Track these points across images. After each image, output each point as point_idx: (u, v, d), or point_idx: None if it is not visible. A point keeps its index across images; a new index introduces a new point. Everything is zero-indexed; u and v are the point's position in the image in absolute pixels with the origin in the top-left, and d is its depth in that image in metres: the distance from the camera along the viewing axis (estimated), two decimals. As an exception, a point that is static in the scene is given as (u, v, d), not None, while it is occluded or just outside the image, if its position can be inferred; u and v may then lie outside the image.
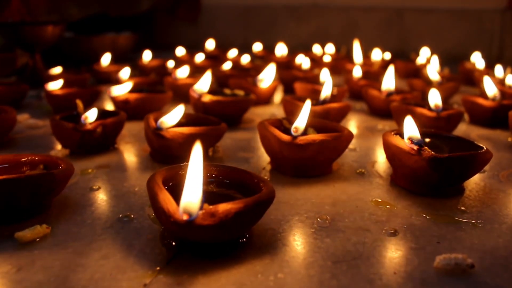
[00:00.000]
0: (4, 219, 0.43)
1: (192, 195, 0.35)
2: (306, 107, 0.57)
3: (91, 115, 0.63)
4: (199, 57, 1.38)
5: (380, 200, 0.50)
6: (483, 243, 0.41)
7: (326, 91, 0.75)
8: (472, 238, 0.42)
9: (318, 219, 0.45)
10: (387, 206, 0.48)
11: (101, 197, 0.50)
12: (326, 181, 0.55)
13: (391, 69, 0.90)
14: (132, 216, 0.45)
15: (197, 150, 0.38)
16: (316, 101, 0.76)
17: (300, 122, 0.55)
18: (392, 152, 0.53)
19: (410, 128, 0.52)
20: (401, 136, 0.54)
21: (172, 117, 0.59)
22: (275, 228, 0.43)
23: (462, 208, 0.49)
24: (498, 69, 1.15)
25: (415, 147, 0.49)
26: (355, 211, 0.47)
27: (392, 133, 0.55)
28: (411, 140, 0.51)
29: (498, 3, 1.73)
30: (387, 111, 0.83)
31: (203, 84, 0.77)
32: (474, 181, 0.56)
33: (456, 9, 1.80)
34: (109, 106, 0.93)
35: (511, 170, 0.61)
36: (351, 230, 0.43)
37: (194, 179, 0.36)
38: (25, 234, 0.40)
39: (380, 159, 0.64)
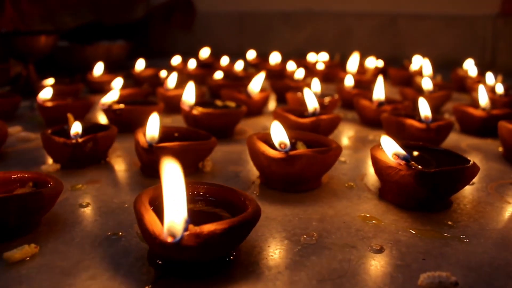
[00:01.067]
0: (-8, 239, 0.43)
1: (176, 216, 0.36)
2: (277, 127, 0.57)
3: (81, 130, 0.63)
4: (192, 64, 1.38)
5: (367, 215, 0.50)
6: (469, 260, 0.42)
7: (312, 104, 0.75)
8: (457, 254, 0.43)
9: (305, 236, 0.45)
10: (374, 222, 0.49)
11: (91, 214, 0.50)
12: (315, 196, 0.55)
13: (380, 80, 0.91)
14: (121, 234, 0.45)
15: (172, 170, 0.38)
16: (307, 113, 0.76)
17: (283, 137, 0.55)
18: (379, 167, 0.53)
19: (391, 144, 0.52)
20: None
21: (154, 129, 0.59)
22: (262, 245, 0.43)
23: (449, 222, 0.49)
24: (489, 77, 1.15)
25: (402, 162, 0.50)
26: (342, 227, 0.47)
27: (380, 147, 0.56)
28: (397, 156, 0.51)
29: (491, 9, 1.74)
30: (378, 121, 0.83)
31: (189, 95, 0.77)
32: (462, 194, 0.57)
33: (449, 15, 1.81)
34: (102, 117, 0.94)
35: (500, 182, 0.61)
36: (337, 247, 0.43)
37: (175, 200, 0.36)
38: (13, 254, 0.40)
39: (370, 171, 0.64)
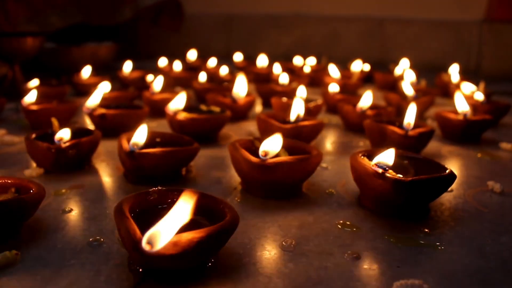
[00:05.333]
0: (-26, 245, 0.43)
1: (158, 227, 0.36)
2: (276, 137, 0.58)
3: (65, 135, 0.63)
4: (177, 67, 1.39)
5: (346, 222, 0.51)
6: (442, 267, 0.43)
7: (296, 112, 0.76)
8: (432, 262, 0.44)
9: (283, 243, 0.46)
10: (353, 229, 0.50)
11: (73, 220, 0.50)
12: (295, 202, 0.56)
13: (369, 92, 0.91)
14: (102, 240, 0.46)
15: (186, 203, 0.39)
16: (289, 119, 0.77)
17: (269, 146, 0.56)
18: (358, 175, 0.54)
19: (385, 156, 0.53)
20: (369, 158, 0.55)
21: (141, 137, 0.60)
22: (240, 252, 0.44)
23: (426, 230, 0.50)
24: (466, 86, 1.16)
25: (380, 170, 0.51)
26: (320, 234, 0.48)
27: (360, 154, 0.56)
28: (376, 164, 0.52)
29: (476, 15, 1.76)
30: (362, 127, 0.84)
31: (178, 103, 0.78)
32: (440, 201, 0.58)
33: (435, 20, 1.83)
34: (88, 120, 0.94)
35: (477, 189, 0.62)
36: (315, 254, 0.44)
37: (174, 222, 0.37)
38: (-7, 260, 0.41)
39: (351, 178, 0.65)
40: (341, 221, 0.51)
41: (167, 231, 0.36)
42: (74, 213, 0.52)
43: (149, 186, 0.57)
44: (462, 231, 0.50)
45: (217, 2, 2.09)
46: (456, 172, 0.59)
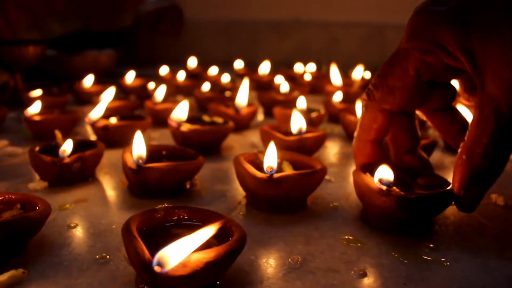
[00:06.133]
0: (-21, 264, 0.43)
1: (169, 249, 0.36)
2: (272, 149, 0.58)
3: (69, 148, 0.63)
4: (181, 75, 1.39)
5: (351, 238, 0.51)
6: (449, 284, 0.43)
7: (298, 125, 0.76)
8: (438, 279, 0.44)
9: (290, 260, 0.46)
10: (358, 244, 0.50)
11: (78, 236, 0.50)
12: (301, 217, 0.56)
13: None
14: (108, 257, 0.46)
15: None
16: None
17: (271, 160, 0.56)
18: (361, 191, 0.54)
19: (384, 172, 0.53)
20: (370, 172, 0.55)
21: (141, 148, 0.60)
22: (247, 270, 0.44)
23: (431, 245, 0.50)
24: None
25: (384, 188, 0.51)
26: (326, 250, 0.48)
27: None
28: (380, 181, 0.52)
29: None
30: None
31: (180, 112, 0.78)
32: (445, 215, 0.58)
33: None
34: (90, 130, 0.94)
35: (481, 202, 0.62)
36: (321, 271, 0.44)
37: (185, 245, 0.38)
38: (1, 280, 0.40)
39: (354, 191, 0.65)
40: (346, 237, 0.52)
41: (179, 253, 0.36)
42: (80, 228, 0.52)
43: (154, 199, 0.58)
44: (467, 246, 0.50)
45: (217, 8, 2.09)
46: (459, 185, 0.59)
